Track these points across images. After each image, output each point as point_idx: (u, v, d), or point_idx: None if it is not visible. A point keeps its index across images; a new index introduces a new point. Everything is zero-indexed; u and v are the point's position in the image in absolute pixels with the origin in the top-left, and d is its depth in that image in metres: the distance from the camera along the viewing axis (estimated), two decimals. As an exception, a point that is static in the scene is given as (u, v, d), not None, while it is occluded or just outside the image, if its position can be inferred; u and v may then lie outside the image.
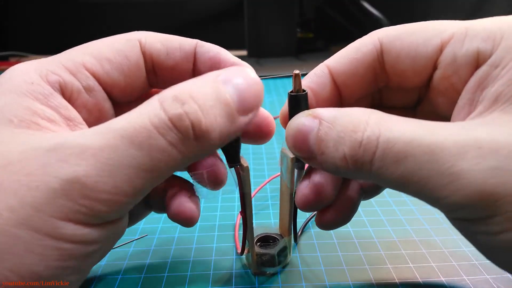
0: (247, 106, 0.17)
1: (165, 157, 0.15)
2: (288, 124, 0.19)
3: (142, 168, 0.15)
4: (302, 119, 0.19)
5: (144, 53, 0.21)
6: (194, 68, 0.22)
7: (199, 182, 0.22)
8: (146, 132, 0.15)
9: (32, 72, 0.18)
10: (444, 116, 0.21)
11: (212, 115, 0.16)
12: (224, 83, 0.17)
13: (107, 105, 0.21)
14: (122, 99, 0.22)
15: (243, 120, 0.17)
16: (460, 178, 0.15)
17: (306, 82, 0.22)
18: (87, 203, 0.14)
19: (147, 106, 0.16)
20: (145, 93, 0.23)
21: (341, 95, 0.22)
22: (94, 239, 0.15)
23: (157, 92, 0.18)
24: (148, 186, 0.16)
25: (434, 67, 0.20)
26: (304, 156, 0.19)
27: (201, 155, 0.18)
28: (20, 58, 0.96)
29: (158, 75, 0.22)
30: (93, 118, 0.21)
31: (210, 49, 0.22)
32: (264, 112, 0.23)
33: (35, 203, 0.14)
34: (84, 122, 0.20)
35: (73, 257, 0.15)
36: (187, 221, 0.21)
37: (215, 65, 0.22)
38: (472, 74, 0.18)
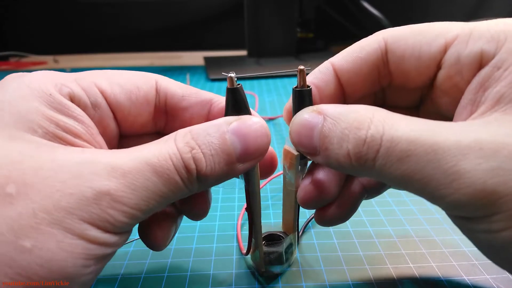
0: (248, 157, 0.19)
1: (176, 188, 0.18)
2: (293, 119, 0.20)
3: (157, 193, 0.17)
4: (307, 114, 0.19)
5: (158, 91, 0.22)
6: (209, 113, 0.23)
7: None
8: (166, 165, 0.17)
9: (49, 83, 0.19)
10: (447, 116, 0.21)
11: (213, 162, 0.18)
12: (232, 133, 0.19)
13: (112, 124, 0.22)
14: (125, 127, 0.22)
15: (242, 167, 0.19)
16: (462, 178, 0.15)
17: (311, 79, 0.22)
18: (113, 213, 0.16)
19: (168, 141, 0.18)
20: (148, 134, 0.24)
21: (344, 93, 0.22)
22: (111, 243, 0.17)
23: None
24: (158, 207, 0.18)
25: (438, 67, 0.20)
26: (308, 152, 0.19)
27: (202, 190, 0.20)
28: (20, 58, 0.96)
29: (169, 116, 0.23)
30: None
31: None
32: (270, 152, 0.23)
33: (68, 207, 0.15)
34: (99, 134, 0.21)
35: (94, 256, 0.16)
36: (151, 245, 0.23)
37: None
38: (475, 74, 0.19)
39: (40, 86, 0.19)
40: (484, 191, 0.15)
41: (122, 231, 0.17)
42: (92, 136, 0.20)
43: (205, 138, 0.18)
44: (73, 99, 0.20)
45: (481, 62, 0.18)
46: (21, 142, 0.17)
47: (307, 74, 0.21)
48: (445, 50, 0.19)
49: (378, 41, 0.21)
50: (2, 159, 0.16)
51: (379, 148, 0.17)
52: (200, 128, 0.19)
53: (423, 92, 0.22)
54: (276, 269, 0.25)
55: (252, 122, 0.19)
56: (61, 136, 0.18)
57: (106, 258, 0.17)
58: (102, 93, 0.21)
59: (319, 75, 0.22)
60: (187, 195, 0.19)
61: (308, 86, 0.20)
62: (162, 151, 0.18)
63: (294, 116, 0.20)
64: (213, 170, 0.18)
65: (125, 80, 0.22)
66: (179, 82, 0.23)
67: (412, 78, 0.21)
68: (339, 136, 0.18)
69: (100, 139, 0.21)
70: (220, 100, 0.23)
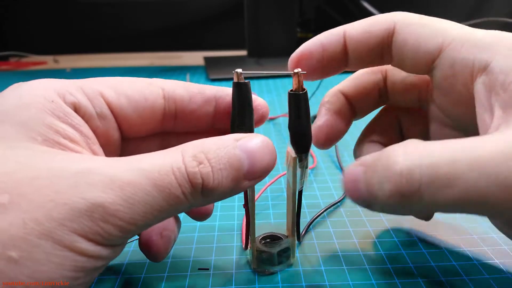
0: (255, 174, 0.19)
1: (177, 203, 0.17)
2: (343, 177, 0.19)
3: (156, 208, 0.17)
4: (349, 169, 0.18)
5: (167, 99, 0.22)
6: (215, 111, 0.23)
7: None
8: (168, 179, 0.17)
9: (52, 90, 0.19)
10: (451, 117, 0.21)
11: (221, 177, 0.18)
12: (240, 150, 0.19)
13: (116, 135, 0.22)
14: (129, 134, 0.23)
15: (247, 184, 0.19)
16: None
17: (320, 37, 0.23)
18: (105, 227, 0.16)
19: (171, 155, 0.18)
20: (154, 133, 0.24)
21: (347, 59, 0.23)
22: (103, 256, 0.16)
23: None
24: (155, 222, 0.18)
25: (433, 63, 0.21)
26: (364, 205, 0.18)
27: (204, 205, 0.19)
28: (20, 58, 0.96)
29: (178, 118, 0.23)
30: (100, 144, 0.21)
31: (229, 94, 0.23)
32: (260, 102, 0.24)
33: (59, 218, 0.15)
34: (98, 143, 0.21)
35: (84, 269, 0.16)
36: (150, 256, 0.23)
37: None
38: (471, 79, 0.19)
39: (42, 93, 0.19)
40: None
41: (115, 244, 0.17)
42: (88, 145, 0.20)
43: (215, 152, 0.18)
44: (78, 108, 0.20)
45: (473, 70, 0.19)
46: (20, 151, 0.17)
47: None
48: (440, 50, 0.20)
49: (388, 21, 0.22)
50: None
51: (420, 178, 0.16)
52: (209, 142, 0.19)
53: (420, 94, 0.23)
54: (268, 269, 0.25)
55: (259, 140, 0.19)
56: (60, 142, 0.18)
57: (97, 270, 0.17)
58: (108, 104, 0.21)
59: (329, 35, 0.23)
60: (187, 209, 0.19)
61: (303, 89, 0.20)
62: (166, 164, 0.17)
63: (344, 173, 0.19)
64: (220, 185, 0.18)
65: (131, 90, 0.22)
66: (183, 82, 0.23)
67: (407, 65, 0.22)
68: (378, 179, 0.17)
69: (97, 148, 0.20)
70: (223, 95, 0.23)
